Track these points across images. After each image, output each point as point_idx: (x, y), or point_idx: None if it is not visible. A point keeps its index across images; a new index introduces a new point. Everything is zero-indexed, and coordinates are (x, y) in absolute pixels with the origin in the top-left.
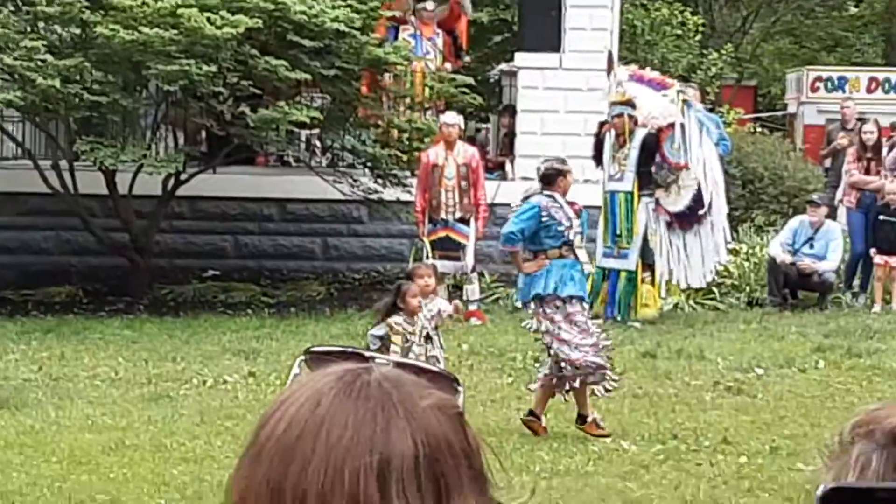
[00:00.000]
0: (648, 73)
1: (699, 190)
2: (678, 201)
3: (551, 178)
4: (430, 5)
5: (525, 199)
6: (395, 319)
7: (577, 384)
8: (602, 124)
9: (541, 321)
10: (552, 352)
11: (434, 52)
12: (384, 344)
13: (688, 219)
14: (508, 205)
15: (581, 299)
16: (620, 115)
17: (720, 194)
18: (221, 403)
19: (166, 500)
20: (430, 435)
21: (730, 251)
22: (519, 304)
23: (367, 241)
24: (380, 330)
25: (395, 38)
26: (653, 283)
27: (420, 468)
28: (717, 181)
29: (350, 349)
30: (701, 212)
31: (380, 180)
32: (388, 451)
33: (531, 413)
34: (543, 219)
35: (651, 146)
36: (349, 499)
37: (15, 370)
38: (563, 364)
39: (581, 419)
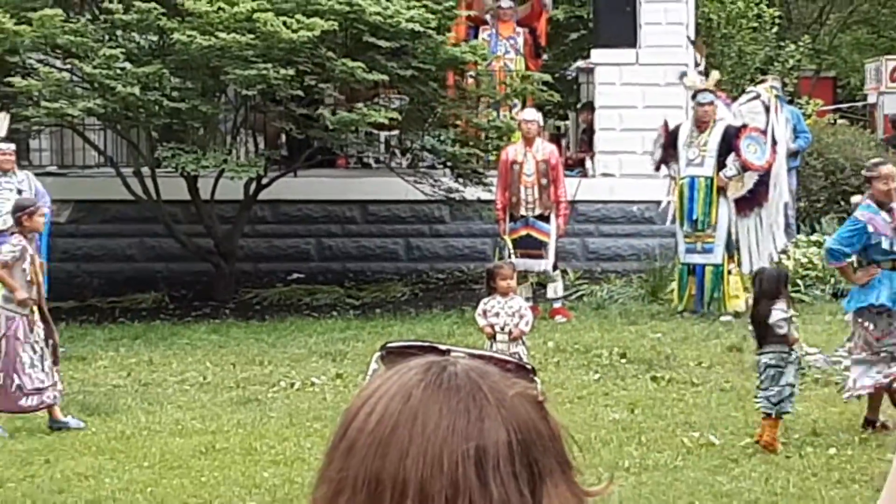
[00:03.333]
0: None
1: (761, 176)
2: (742, 189)
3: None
4: (504, 3)
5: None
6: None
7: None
8: (665, 125)
9: (862, 331)
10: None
11: (513, 52)
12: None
13: (748, 203)
14: (589, 202)
15: None
16: (711, 103)
17: (781, 185)
18: (310, 405)
19: (258, 503)
20: (521, 422)
21: (812, 242)
22: (848, 317)
23: (449, 241)
24: (784, 313)
25: (475, 37)
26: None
27: (514, 455)
28: (780, 174)
29: (427, 343)
30: (764, 193)
31: (460, 179)
32: (483, 439)
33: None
34: (870, 235)
35: (731, 137)
36: (449, 486)
37: (104, 377)
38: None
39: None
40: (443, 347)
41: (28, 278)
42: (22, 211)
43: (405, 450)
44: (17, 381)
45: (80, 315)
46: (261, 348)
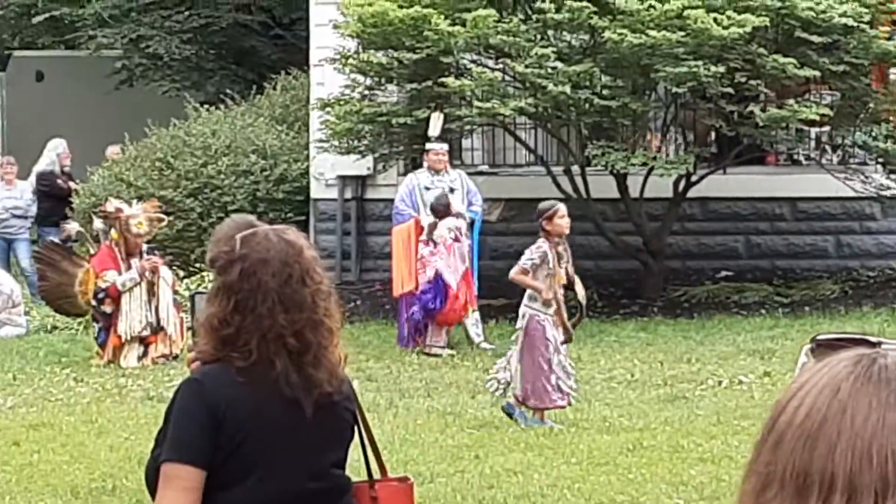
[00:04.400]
0: None
1: None
2: None
3: None
4: None
5: None
6: None
7: None
8: None
9: None
10: None
11: None
12: None
13: None
14: None
15: None
16: None
17: None
18: (737, 403)
19: (685, 500)
20: None
21: None
22: None
23: (880, 239)
24: None
25: None
26: None
27: None
28: None
29: (857, 335)
30: None
31: (893, 176)
32: None
33: None
34: None
35: None
36: (879, 480)
37: None
38: None
39: None
40: (873, 340)
41: (550, 280)
42: (541, 215)
43: (833, 444)
44: (548, 378)
45: (509, 313)
46: (688, 346)
